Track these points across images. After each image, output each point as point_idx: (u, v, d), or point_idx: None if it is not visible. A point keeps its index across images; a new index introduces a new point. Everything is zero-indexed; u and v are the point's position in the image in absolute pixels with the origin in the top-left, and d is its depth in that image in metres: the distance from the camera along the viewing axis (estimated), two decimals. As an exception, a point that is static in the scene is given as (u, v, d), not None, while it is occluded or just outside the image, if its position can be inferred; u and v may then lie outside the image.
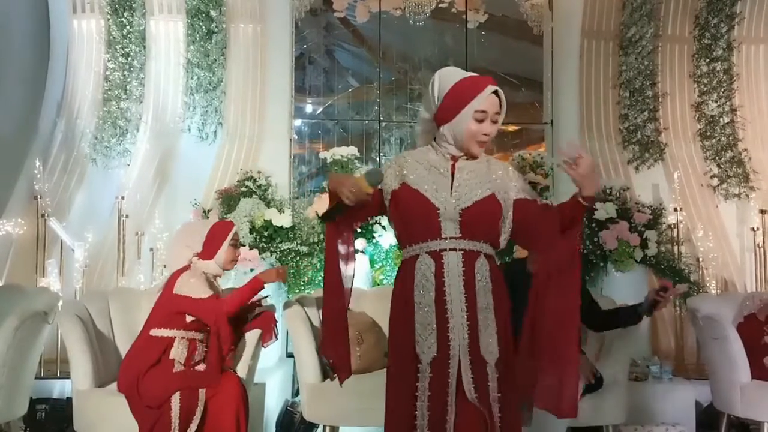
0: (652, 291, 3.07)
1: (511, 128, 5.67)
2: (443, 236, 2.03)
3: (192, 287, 2.96)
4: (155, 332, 2.96)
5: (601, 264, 4.31)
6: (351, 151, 4.62)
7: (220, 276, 3.16)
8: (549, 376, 2.03)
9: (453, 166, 2.11)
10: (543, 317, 2.05)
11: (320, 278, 4.35)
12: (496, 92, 2.06)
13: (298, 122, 5.41)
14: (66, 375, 3.57)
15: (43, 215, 4.54)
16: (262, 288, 3.05)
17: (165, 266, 4.34)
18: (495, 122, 2.08)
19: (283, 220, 4.28)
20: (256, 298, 3.13)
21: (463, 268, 2.02)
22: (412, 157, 2.16)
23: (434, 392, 1.97)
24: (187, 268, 3.05)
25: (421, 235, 2.06)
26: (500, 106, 2.08)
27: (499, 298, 2.07)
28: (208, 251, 3.07)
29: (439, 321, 2.00)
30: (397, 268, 2.22)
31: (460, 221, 2.03)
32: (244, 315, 3.23)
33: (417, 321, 2.02)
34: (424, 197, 2.06)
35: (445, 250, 2.03)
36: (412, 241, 2.08)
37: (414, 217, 2.08)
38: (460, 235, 2.03)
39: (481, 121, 2.05)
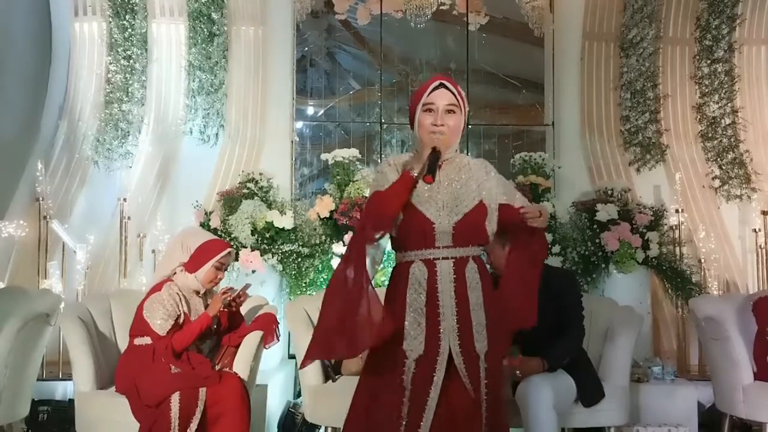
0: None
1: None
2: (437, 245, 2.15)
3: (156, 314, 2.96)
4: (138, 341, 3.00)
5: (603, 265, 4.31)
6: (352, 153, 4.64)
7: (199, 292, 3.14)
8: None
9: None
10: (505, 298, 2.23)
11: (322, 279, 4.35)
12: (446, 87, 2.16)
13: (299, 124, 5.42)
14: (68, 377, 3.57)
15: (45, 217, 4.54)
16: (210, 322, 3.05)
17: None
18: (451, 112, 2.16)
19: (285, 221, 4.29)
20: (240, 289, 3.15)
21: (454, 275, 2.14)
22: (407, 163, 2.21)
23: (415, 387, 2.08)
24: (167, 281, 3.06)
25: (417, 245, 2.16)
26: (457, 98, 2.17)
27: (488, 294, 2.18)
28: (193, 264, 3.08)
29: (430, 323, 2.10)
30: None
31: (453, 234, 2.15)
32: (240, 314, 3.25)
33: (407, 320, 2.11)
34: (419, 211, 2.15)
35: (438, 258, 2.14)
36: (408, 249, 2.18)
37: (411, 228, 2.16)
38: (452, 244, 2.15)
39: (430, 112, 2.15)
